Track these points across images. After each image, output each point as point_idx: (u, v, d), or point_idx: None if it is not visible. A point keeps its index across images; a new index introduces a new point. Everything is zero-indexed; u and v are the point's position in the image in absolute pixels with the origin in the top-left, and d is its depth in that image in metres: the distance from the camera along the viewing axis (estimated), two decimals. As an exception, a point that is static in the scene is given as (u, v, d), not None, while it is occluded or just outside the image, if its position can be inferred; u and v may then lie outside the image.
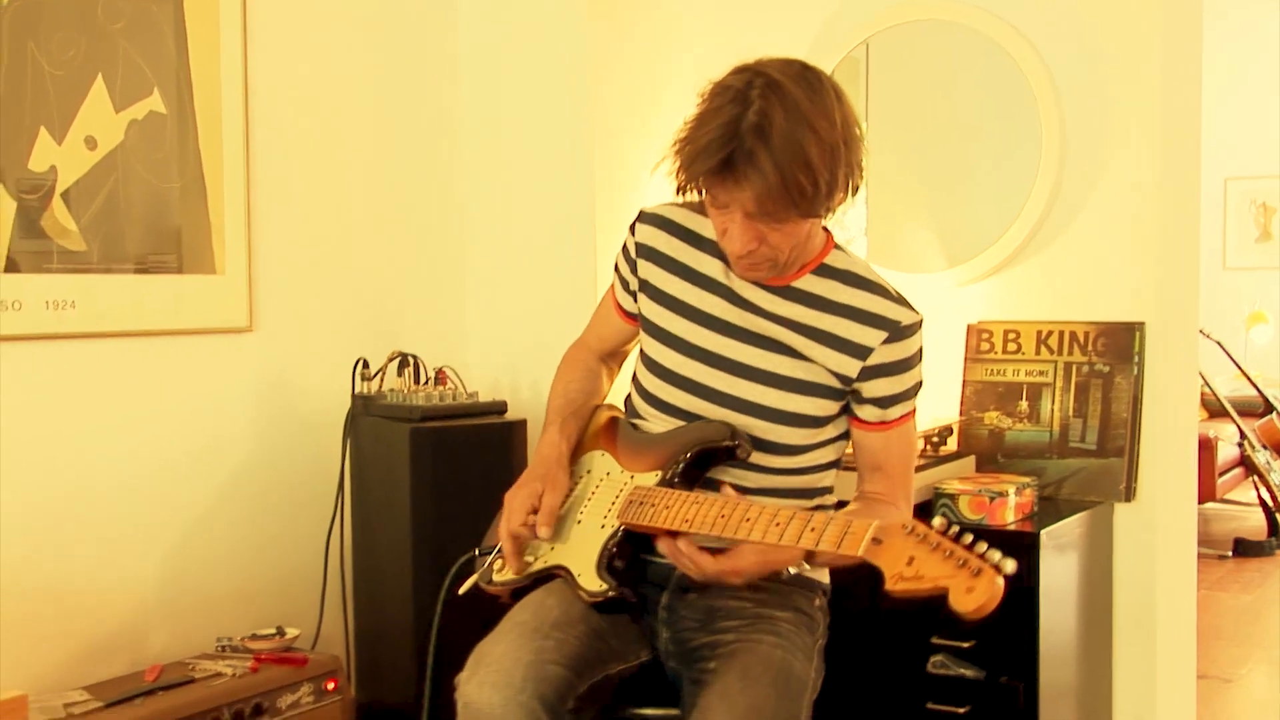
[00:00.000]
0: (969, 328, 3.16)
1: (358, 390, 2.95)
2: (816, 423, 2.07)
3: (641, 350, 2.19)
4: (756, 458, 2.07)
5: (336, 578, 2.98)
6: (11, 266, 2.40)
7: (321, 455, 2.99)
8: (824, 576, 2.25)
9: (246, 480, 2.89)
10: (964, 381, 3.16)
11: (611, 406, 2.26)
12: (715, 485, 2.03)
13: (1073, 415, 3.01)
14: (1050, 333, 3.05)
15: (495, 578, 2.18)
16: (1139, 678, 3.02)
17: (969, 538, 1.63)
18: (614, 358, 2.33)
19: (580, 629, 2.06)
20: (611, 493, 2.09)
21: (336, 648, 2.97)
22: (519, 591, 2.16)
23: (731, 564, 1.91)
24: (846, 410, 2.09)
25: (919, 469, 2.88)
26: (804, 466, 2.11)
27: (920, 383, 2.09)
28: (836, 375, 2.03)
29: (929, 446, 3.04)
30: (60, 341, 2.49)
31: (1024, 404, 3.07)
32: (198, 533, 2.80)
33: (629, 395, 2.22)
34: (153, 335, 2.66)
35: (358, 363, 2.95)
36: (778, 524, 1.80)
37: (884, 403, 2.06)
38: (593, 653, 2.07)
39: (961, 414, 3.15)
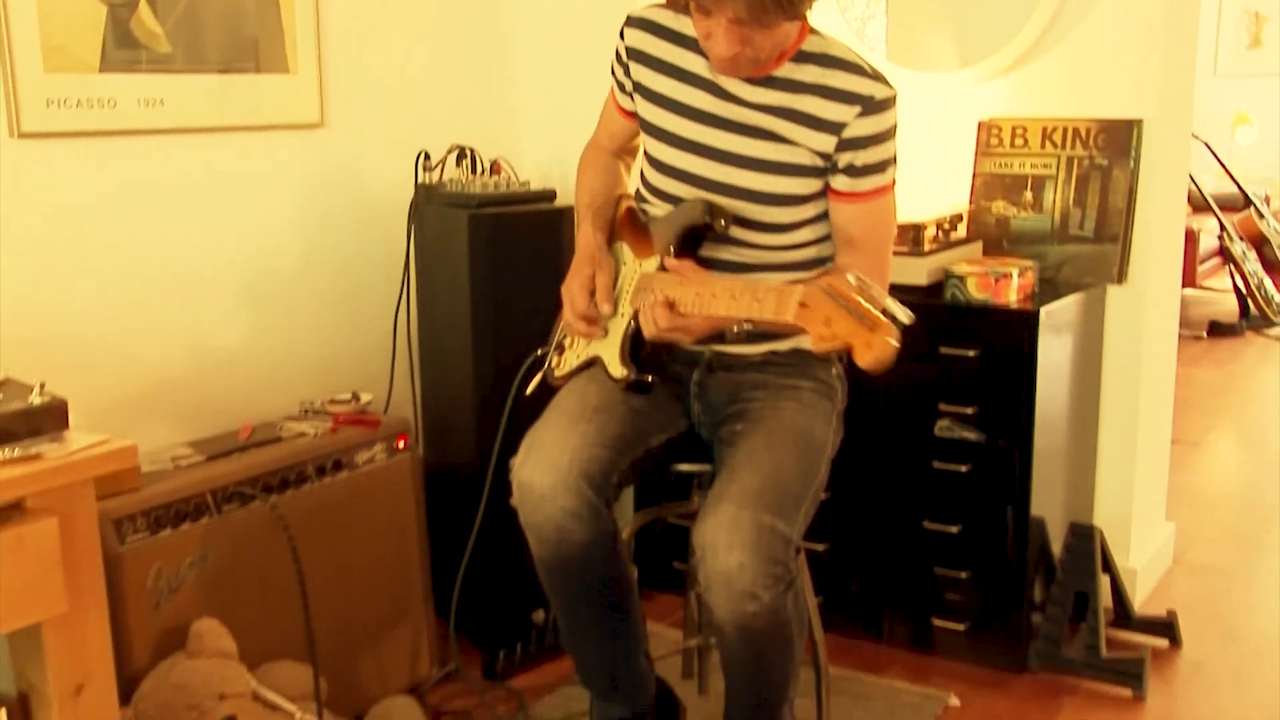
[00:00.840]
0: (980, 124, 3.14)
1: (420, 180, 2.93)
2: (800, 200, 2.04)
3: (643, 145, 2.18)
4: (752, 236, 2.06)
5: (404, 349, 3.01)
6: (106, 67, 2.38)
7: (389, 240, 3.00)
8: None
9: (323, 262, 2.90)
10: (974, 174, 3.15)
11: (629, 197, 2.25)
12: (713, 263, 2.06)
13: (1073, 205, 3.02)
14: (1055, 128, 3.03)
15: (556, 373, 2.22)
16: (1121, 442, 3.09)
17: (878, 291, 1.62)
18: (626, 152, 2.31)
19: (620, 410, 2.09)
20: (629, 282, 2.11)
21: (405, 412, 3.00)
22: None
23: (683, 324, 1.92)
24: (828, 187, 2.06)
25: (931, 251, 2.92)
26: (798, 242, 2.08)
27: (894, 158, 2.03)
28: (817, 154, 2.00)
29: (940, 233, 3.05)
30: (152, 136, 2.49)
31: (1028, 194, 3.07)
32: (281, 308, 2.82)
33: (638, 188, 2.22)
34: (235, 131, 2.64)
35: (420, 155, 2.92)
36: (734, 298, 1.81)
37: (855, 172, 2.00)
38: (633, 431, 2.10)
39: (971, 203, 3.15)
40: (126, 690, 2.11)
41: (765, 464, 1.95)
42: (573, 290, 2.12)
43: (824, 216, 2.08)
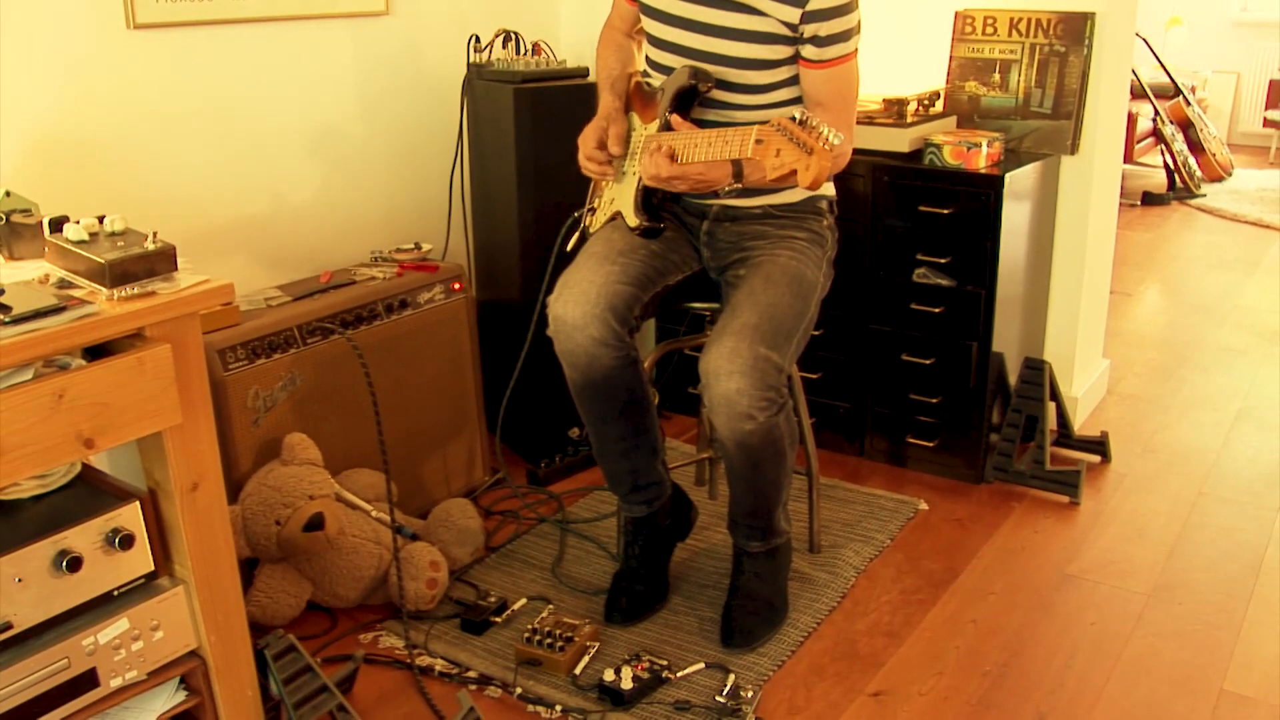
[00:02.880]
0: (956, 14, 3.03)
1: (471, 60, 2.85)
2: (773, 65, 1.98)
3: (644, 26, 2.13)
4: (734, 98, 2.02)
5: (459, 205, 2.95)
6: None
7: (445, 112, 2.92)
8: (828, 189, 2.21)
9: (388, 131, 2.82)
10: (950, 57, 3.05)
11: (638, 73, 2.21)
12: (705, 124, 2.01)
13: (1034, 85, 2.91)
14: (1021, 19, 2.91)
15: (590, 231, 2.20)
16: (1069, 290, 3.04)
17: (815, 122, 1.60)
18: (638, 32, 2.24)
19: (642, 253, 2.07)
20: (638, 144, 2.07)
21: (460, 259, 2.96)
22: None
23: (680, 170, 1.88)
24: (798, 55, 2.00)
25: (913, 123, 2.84)
26: (774, 102, 2.03)
27: (856, 28, 1.95)
28: (784, 23, 1.94)
29: (921, 107, 2.95)
30: (243, 25, 2.41)
31: (997, 76, 2.96)
32: (354, 171, 2.76)
33: (645, 66, 2.19)
34: (313, 19, 2.55)
35: (471, 38, 2.84)
36: (710, 143, 1.80)
37: (820, 42, 1.93)
38: (652, 270, 2.07)
39: (948, 83, 3.05)
40: (233, 490, 2.12)
41: (762, 302, 1.92)
42: (585, 135, 2.10)
43: (796, 80, 2.03)
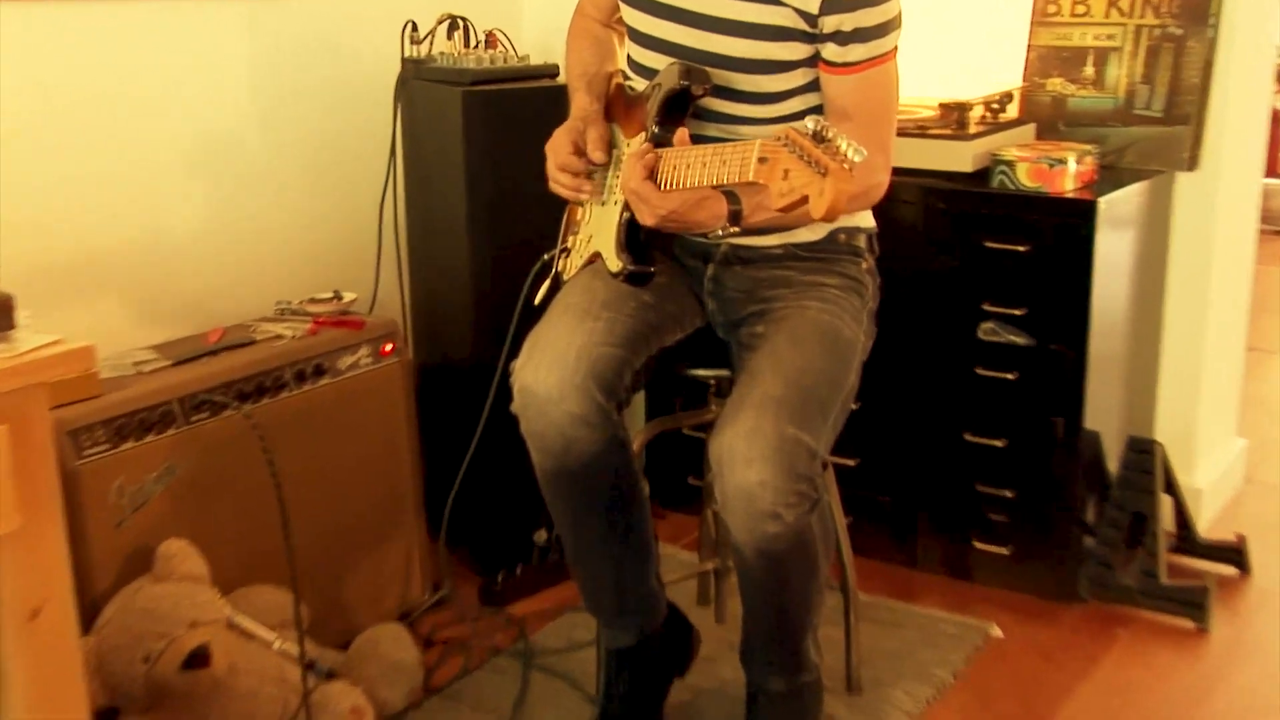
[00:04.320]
0: (1035, -11, 3.10)
1: (407, 54, 2.92)
2: (786, 66, 2.04)
3: (624, 17, 2.20)
4: (738, 108, 2.08)
5: (391, 243, 3.02)
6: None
7: (372, 121, 2.99)
8: (865, 220, 2.25)
9: (298, 144, 2.88)
10: (1028, 46, 3.11)
11: (620, 72, 2.27)
12: (702, 140, 2.01)
13: (1140, 81, 2.97)
14: (1122, -7, 2.98)
15: (565, 278, 2.24)
16: (1187, 348, 3.06)
17: (834, 133, 1.62)
18: (618, 22, 2.29)
19: (630, 305, 2.11)
20: (616, 166, 2.14)
21: (394, 312, 3.02)
22: None
23: (662, 204, 1.91)
24: (817, 56, 2.05)
25: (978, 134, 2.89)
26: (789, 113, 2.08)
27: (891, 22, 1.99)
28: (800, 13, 1.98)
29: (988, 113, 3.01)
30: (96, 1, 2.43)
31: (1089, 69, 3.02)
32: (253, 196, 2.81)
33: (624, 66, 2.26)
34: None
35: (406, 25, 2.90)
36: (704, 164, 1.82)
37: (845, 38, 1.98)
38: (645, 327, 2.11)
39: (1024, 80, 3.11)
40: (88, 616, 2.11)
41: (789, 368, 1.96)
42: (556, 141, 2.13)
43: (816, 85, 2.09)
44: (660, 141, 2.00)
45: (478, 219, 2.79)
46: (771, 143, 1.70)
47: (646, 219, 1.94)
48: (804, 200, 1.63)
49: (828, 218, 1.60)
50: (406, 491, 2.76)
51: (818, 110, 2.09)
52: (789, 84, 2.07)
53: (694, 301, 2.26)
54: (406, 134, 2.95)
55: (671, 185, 1.89)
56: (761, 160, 1.71)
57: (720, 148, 1.82)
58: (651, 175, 1.93)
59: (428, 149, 2.89)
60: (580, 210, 2.26)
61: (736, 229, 1.92)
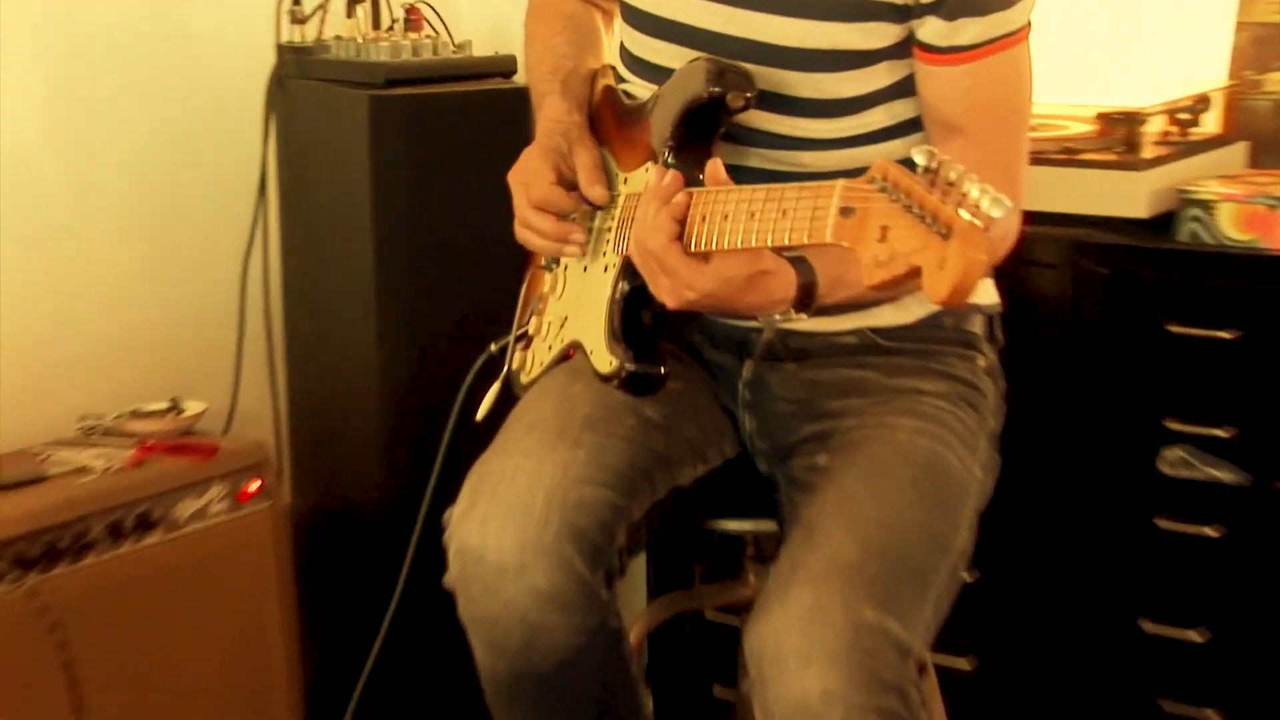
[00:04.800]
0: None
1: (285, 39, 2.98)
2: (866, 60, 2.05)
3: None
4: (798, 126, 2.09)
5: (259, 325, 3.07)
6: None
7: (231, 140, 3.04)
8: (983, 294, 2.24)
9: (118, 180, 2.93)
10: (1236, 25, 3.12)
11: (609, 70, 2.33)
12: (739, 173, 1.97)
13: None
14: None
15: (524, 379, 2.26)
16: None
17: (958, 174, 1.55)
18: None
19: (626, 424, 2.10)
20: (610, 211, 2.15)
21: (262, 430, 3.05)
22: None
23: (697, 279, 1.86)
24: (911, 40, 2.04)
25: (1158, 160, 2.86)
26: (868, 132, 2.11)
27: None
28: None
29: (1176, 127, 3.00)
30: None
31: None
32: (49, 257, 2.86)
33: (616, 67, 2.31)
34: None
35: (283, -2, 2.92)
36: (752, 215, 1.78)
37: (950, 10, 1.98)
38: (649, 458, 2.10)
39: (1231, 77, 3.11)
40: None
41: (866, 520, 1.95)
42: (529, 166, 2.14)
43: (904, 93, 2.11)
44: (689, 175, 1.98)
45: (391, 288, 2.83)
46: (860, 185, 1.64)
47: (669, 299, 1.89)
48: (913, 274, 1.57)
49: (951, 301, 1.53)
50: (279, 693, 2.80)
51: (911, 128, 2.12)
52: (868, 85, 2.08)
53: (722, 417, 2.27)
54: (284, 160, 3.01)
55: (703, 246, 1.87)
56: (846, 212, 1.65)
57: (778, 191, 1.76)
58: (680, 230, 1.88)
59: (315, 183, 2.96)
60: (550, 276, 2.28)
61: (806, 311, 1.92)
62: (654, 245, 1.87)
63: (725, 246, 1.83)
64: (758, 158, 2.11)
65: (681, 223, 1.87)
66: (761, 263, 1.85)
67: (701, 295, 1.87)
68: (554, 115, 2.20)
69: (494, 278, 2.49)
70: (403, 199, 2.83)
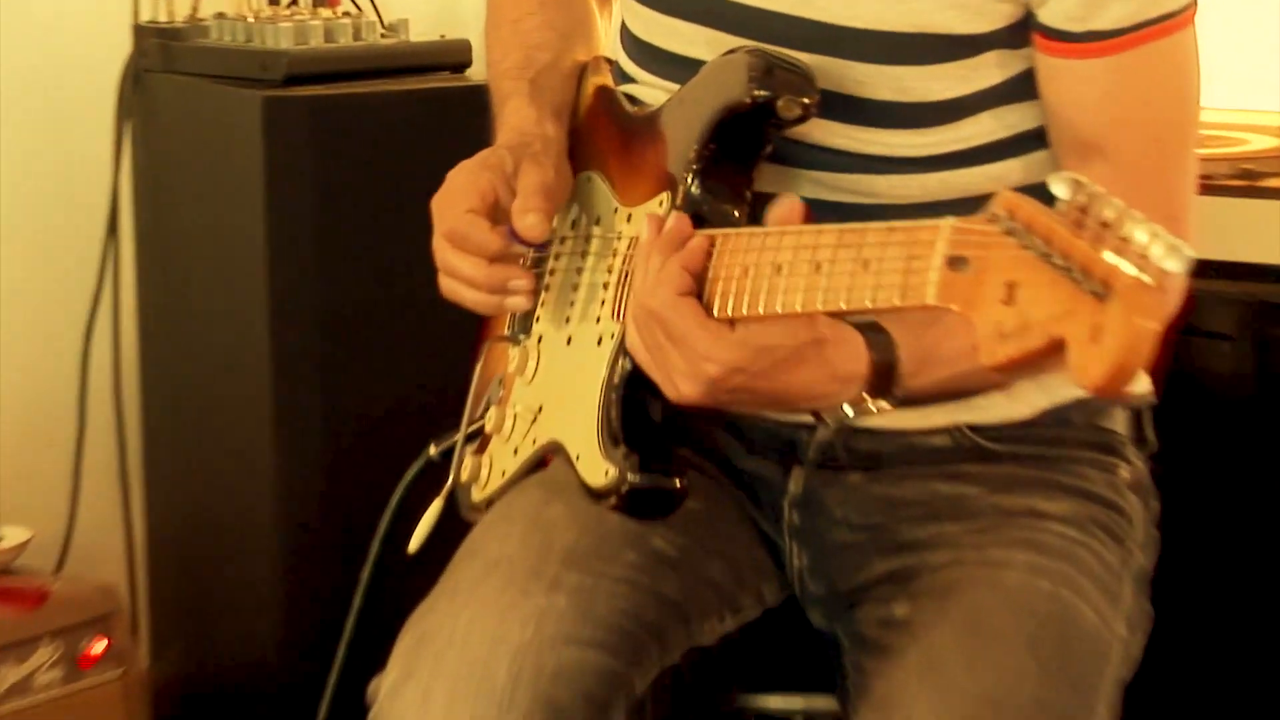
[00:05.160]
0: None
1: (145, 18, 3.06)
2: (968, 48, 2.05)
3: None
4: (866, 139, 2.08)
5: (106, 423, 3.16)
6: None
7: (70, 161, 3.14)
8: (1141, 384, 2.24)
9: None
10: None
11: (603, 64, 2.35)
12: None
13: None
14: None
15: (476, 495, 2.24)
16: None
17: (1115, 211, 1.46)
18: None
19: (626, 560, 2.07)
20: (605, 260, 2.15)
21: (108, 570, 3.12)
22: None
23: (719, 354, 1.83)
24: (1029, 22, 2.03)
25: None
26: (964, 149, 2.10)
27: None
28: None
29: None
30: None
31: None
32: None
33: (615, 60, 2.34)
34: None
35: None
36: (817, 268, 1.75)
37: None
38: (656, 607, 2.07)
39: None
40: None
41: (964, 697, 1.91)
42: (455, 186, 2.13)
43: (1014, 94, 2.11)
44: (705, 214, 1.98)
45: (293, 365, 2.92)
46: (977, 226, 1.56)
47: (680, 381, 1.88)
48: (1053, 349, 1.49)
49: (1108, 388, 1.46)
50: None
51: (1030, 144, 2.11)
52: (970, 84, 2.06)
53: (761, 550, 2.23)
54: (142, 186, 3.10)
55: (741, 310, 1.83)
56: (956, 263, 1.60)
57: (856, 233, 1.73)
58: (695, 285, 1.87)
59: (187, 216, 3.04)
60: (516, 350, 2.26)
61: (889, 400, 1.91)
62: (656, 302, 1.87)
63: (779, 311, 1.80)
64: (814, 184, 2.09)
65: (698, 276, 1.87)
66: (815, 328, 1.82)
67: (726, 371, 1.84)
68: (516, 125, 2.21)
69: (436, 351, 2.60)
70: (309, 240, 2.91)
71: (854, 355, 1.87)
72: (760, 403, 1.95)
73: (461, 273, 2.13)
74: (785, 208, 1.82)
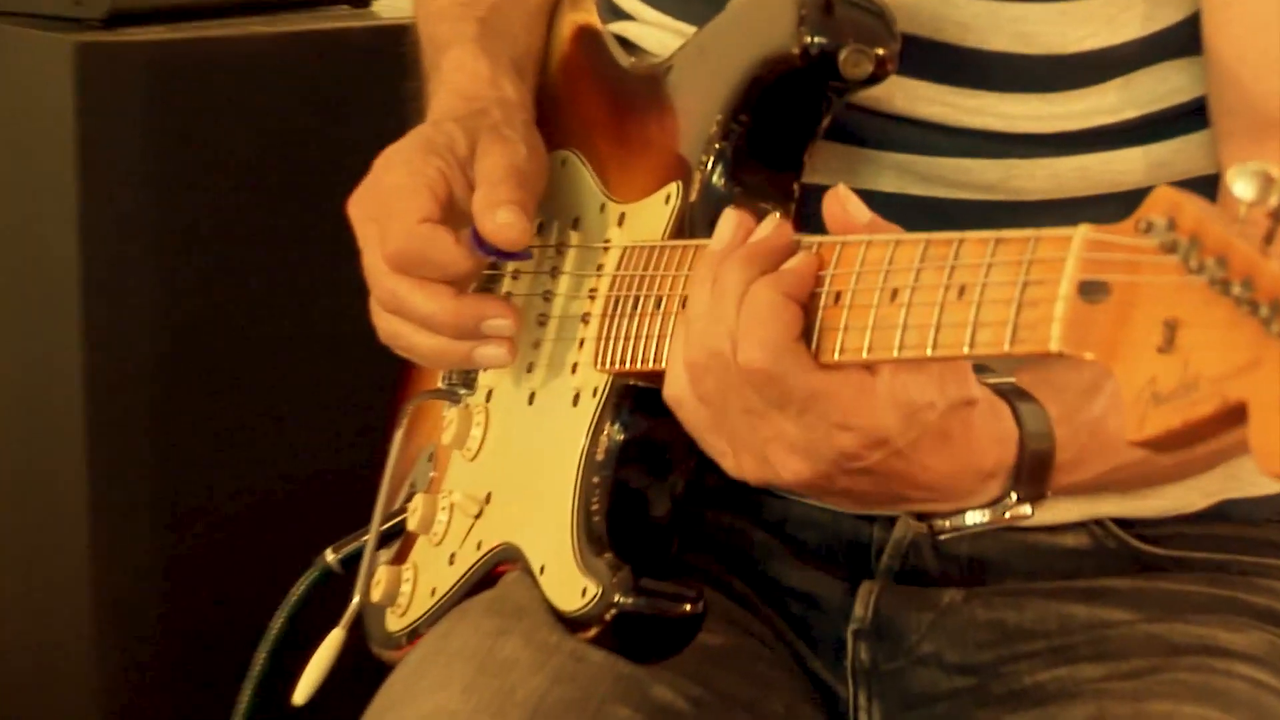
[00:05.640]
0: None
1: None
2: None
3: None
4: (971, 107, 1.83)
5: None
6: None
7: None
8: None
9: None
10: None
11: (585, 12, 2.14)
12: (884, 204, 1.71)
13: None
14: None
15: (393, 626, 1.99)
16: None
17: None
18: None
19: (616, 717, 1.81)
20: (586, 281, 1.89)
21: None
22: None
23: (844, 413, 1.51)
24: None
25: None
26: (1106, 124, 1.83)
27: None
28: None
29: None
30: None
31: None
32: None
33: None
34: None
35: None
36: (892, 295, 1.49)
37: None
38: None
39: None
40: None
41: None
42: (385, 191, 1.88)
43: (1189, 43, 1.82)
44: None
45: (118, 417, 2.76)
46: (1121, 236, 1.29)
47: (794, 465, 1.54)
48: (1227, 418, 1.20)
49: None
50: None
51: (1192, 121, 1.83)
52: (1123, 27, 1.80)
53: (806, 701, 1.91)
54: None
55: (850, 354, 1.55)
56: (1091, 290, 1.32)
57: (946, 244, 1.46)
58: (806, 324, 1.56)
59: None
60: (454, 412, 1.99)
61: (1027, 496, 1.58)
62: (757, 353, 1.51)
63: (893, 355, 1.47)
64: (896, 173, 1.83)
65: (805, 307, 1.53)
66: (964, 385, 1.49)
67: (866, 444, 1.53)
68: (462, 86, 1.97)
69: (333, 405, 2.64)
70: (141, 239, 2.75)
71: (1001, 432, 1.56)
72: (876, 495, 1.61)
73: (419, 311, 1.84)
74: (839, 205, 1.55)
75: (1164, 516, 1.86)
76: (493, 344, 1.81)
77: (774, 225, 1.57)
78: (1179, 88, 1.82)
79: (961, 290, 1.39)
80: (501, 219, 1.76)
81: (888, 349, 1.45)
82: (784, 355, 1.48)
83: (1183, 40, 1.79)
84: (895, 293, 1.45)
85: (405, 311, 1.83)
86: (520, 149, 1.85)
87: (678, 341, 1.59)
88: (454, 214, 1.80)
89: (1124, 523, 1.85)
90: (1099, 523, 1.85)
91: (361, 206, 1.86)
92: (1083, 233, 1.28)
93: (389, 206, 1.83)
